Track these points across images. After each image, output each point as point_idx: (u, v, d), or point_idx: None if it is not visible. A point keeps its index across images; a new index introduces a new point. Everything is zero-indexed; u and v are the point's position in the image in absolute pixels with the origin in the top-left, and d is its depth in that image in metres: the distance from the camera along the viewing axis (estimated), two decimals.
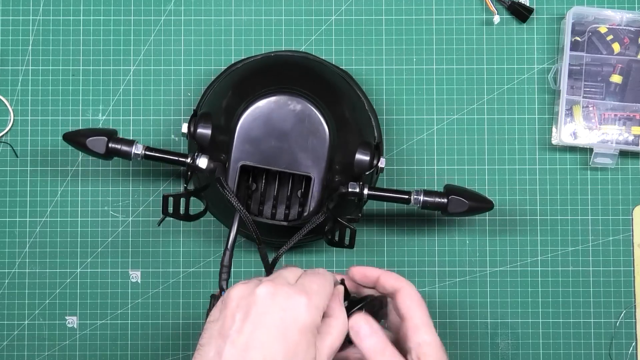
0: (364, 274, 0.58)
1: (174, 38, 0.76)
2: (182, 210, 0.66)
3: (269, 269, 0.62)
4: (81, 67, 0.76)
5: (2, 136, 0.75)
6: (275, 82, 0.66)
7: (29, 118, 0.75)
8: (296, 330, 0.47)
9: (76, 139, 0.66)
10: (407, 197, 0.67)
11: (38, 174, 0.75)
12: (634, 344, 0.74)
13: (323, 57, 0.75)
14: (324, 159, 0.64)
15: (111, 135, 0.66)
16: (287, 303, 0.48)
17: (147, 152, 0.66)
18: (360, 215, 0.67)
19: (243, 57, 0.74)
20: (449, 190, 0.67)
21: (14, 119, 0.75)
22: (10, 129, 0.75)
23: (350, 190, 0.65)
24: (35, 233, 0.75)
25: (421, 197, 0.67)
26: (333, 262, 0.75)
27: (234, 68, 0.73)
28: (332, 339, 0.50)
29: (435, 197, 0.67)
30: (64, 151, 0.75)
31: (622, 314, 0.74)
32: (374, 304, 0.56)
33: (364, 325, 0.52)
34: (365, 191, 0.65)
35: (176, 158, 0.66)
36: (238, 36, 0.76)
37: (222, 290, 0.58)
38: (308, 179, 0.64)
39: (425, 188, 0.68)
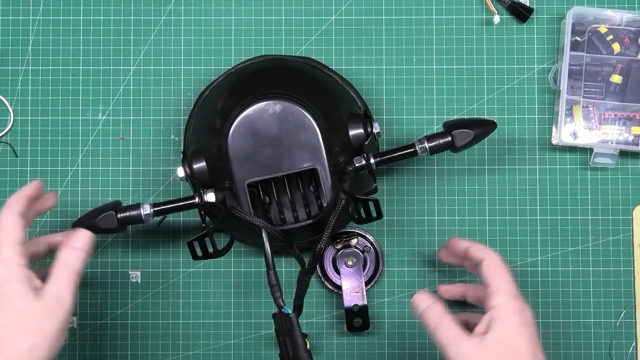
0: (456, 244, 0.66)
1: (174, 38, 0.76)
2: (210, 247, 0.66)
3: (313, 268, 0.66)
4: (81, 67, 0.75)
5: (2, 136, 0.75)
6: (245, 96, 0.66)
7: (29, 118, 0.75)
8: None
9: (85, 223, 0.66)
10: (412, 149, 0.67)
11: (38, 174, 0.75)
12: (634, 344, 0.74)
13: (323, 57, 0.75)
14: (320, 147, 0.64)
15: (116, 207, 0.66)
16: None
17: (155, 209, 0.66)
18: (375, 184, 0.67)
19: (204, 87, 0.73)
20: (449, 127, 0.67)
21: (14, 119, 0.75)
22: (10, 129, 0.75)
23: (357, 165, 0.65)
24: (35, 233, 0.74)
25: (426, 144, 0.66)
26: None
27: (202, 98, 0.72)
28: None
29: (439, 139, 0.66)
30: (64, 151, 0.75)
31: (622, 314, 0.74)
32: None
33: (422, 302, 0.61)
34: (372, 160, 0.65)
35: (185, 203, 0.66)
36: (238, 36, 0.76)
37: (280, 307, 0.62)
38: (314, 172, 0.65)
39: (426, 134, 0.67)
